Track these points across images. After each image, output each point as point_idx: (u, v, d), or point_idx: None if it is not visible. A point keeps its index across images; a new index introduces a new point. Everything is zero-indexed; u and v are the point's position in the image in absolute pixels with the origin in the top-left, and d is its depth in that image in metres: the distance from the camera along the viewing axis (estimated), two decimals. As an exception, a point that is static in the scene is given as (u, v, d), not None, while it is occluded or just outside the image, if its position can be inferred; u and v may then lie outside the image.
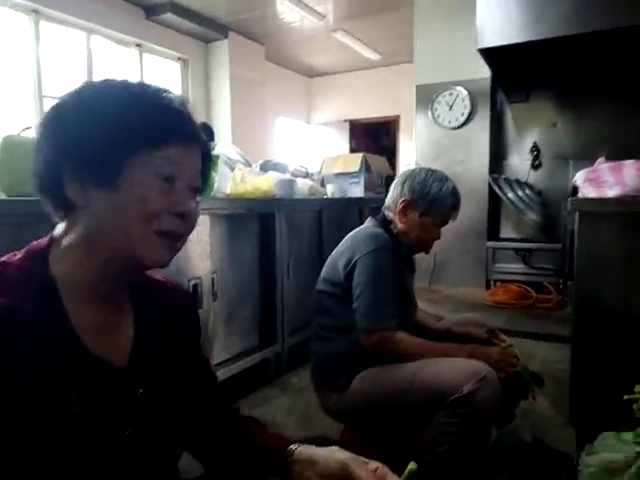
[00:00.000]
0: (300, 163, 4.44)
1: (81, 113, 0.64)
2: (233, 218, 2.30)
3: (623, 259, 1.66)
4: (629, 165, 1.95)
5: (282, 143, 7.69)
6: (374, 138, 8.86)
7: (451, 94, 4.85)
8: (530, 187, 4.69)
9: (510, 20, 3.60)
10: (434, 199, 1.52)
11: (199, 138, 0.70)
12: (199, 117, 0.74)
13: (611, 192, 1.92)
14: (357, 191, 3.63)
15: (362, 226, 1.63)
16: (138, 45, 5.32)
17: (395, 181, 1.61)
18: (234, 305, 2.32)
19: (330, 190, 3.36)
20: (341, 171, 3.67)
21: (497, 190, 4.57)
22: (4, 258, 0.64)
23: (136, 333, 0.72)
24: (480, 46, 3.69)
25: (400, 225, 1.56)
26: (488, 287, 4.64)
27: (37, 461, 0.56)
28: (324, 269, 1.61)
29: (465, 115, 4.81)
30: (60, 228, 0.68)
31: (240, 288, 2.36)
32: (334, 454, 0.72)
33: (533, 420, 1.97)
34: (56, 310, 0.62)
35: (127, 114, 0.63)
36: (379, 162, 3.98)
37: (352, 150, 8.06)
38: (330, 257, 1.61)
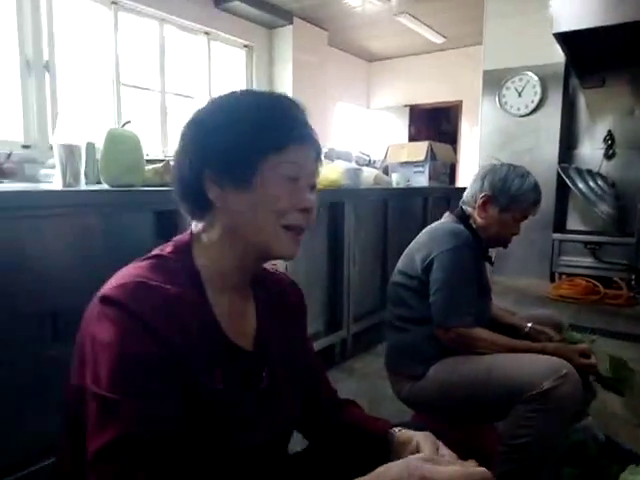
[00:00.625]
0: (361, 150, 4.47)
1: (218, 124, 0.72)
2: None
3: None
4: None
5: (342, 128, 7.70)
6: (434, 123, 8.70)
7: (521, 80, 4.69)
8: (603, 178, 4.49)
9: (588, 4, 3.44)
10: (515, 195, 1.52)
11: (315, 139, 0.77)
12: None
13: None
14: (421, 180, 3.62)
15: (440, 221, 1.66)
16: (206, 33, 5.47)
17: (474, 176, 1.62)
18: (304, 291, 2.41)
19: (395, 179, 3.38)
20: (406, 160, 3.66)
21: (567, 180, 4.41)
22: (157, 251, 0.74)
23: (258, 319, 0.81)
24: (556, 30, 3.54)
25: (479, 220, 1.58)
26: (552, 280, 4.53)
27: (190, 428, 0.66)
28: (400, 262, 1.65)
29: (535, 102, 4.64)
30: (198, 226, 0.77)
31: (310, 275, 2.45)
32: (423, 441, 0.77)
33: (605, 419, 1.95)
34: (202, 298, 0.72)
35: (258, 121, 0.71)
36: (444, 150, 3.94)
37: (411, 135, 7.95)
38: (407, 250, 1.65)
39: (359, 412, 0.92)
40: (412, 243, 1.65)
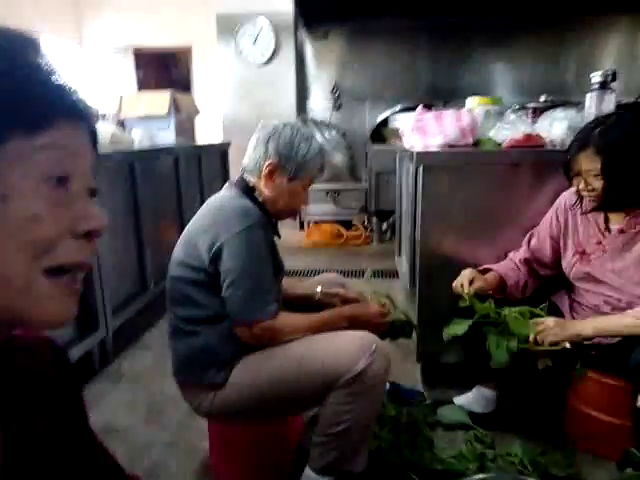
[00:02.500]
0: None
1: None
2: None
3: (461, 209, 1.80)
4: (448, 115, 2.08)
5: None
6: (164, 70, 7.97)
7: (254, 25, 4.56)
8: (334, 128, 4.86)
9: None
10: (303, 161, 1.35)
11: (89, 115, 0.46)
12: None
13: (434, 141, 2.05)
14: (168, 137, 3.19)
15: (222, 195, 1.38)
16: None
17: (255, 139, 1.39)
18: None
19: (138, 138, 2.86)
20: (146, 114, 3.15)
21: (306, 132, 4.60)
22: None
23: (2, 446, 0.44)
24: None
25: (266, 192, 1.36)
26: (302, 228, 4.78)
27: None
28: (178, 250, 1.33)
29: (270, 51, 4.61)
30: None
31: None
32: None
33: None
34: None
35: None
36: (188, 102, 3.56)
37: (140, 82, 7.13)
38: (185, 235, 1.33)
39: None
40: (190, 225, 1.34)
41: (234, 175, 1.48)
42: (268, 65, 4.65)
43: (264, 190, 1.36)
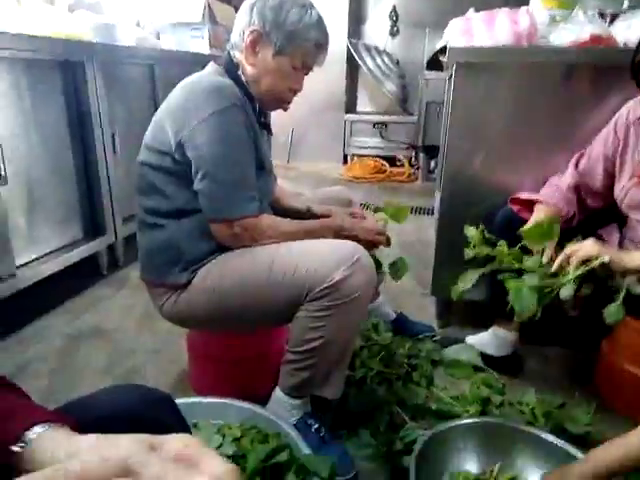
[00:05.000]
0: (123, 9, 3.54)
1: None
2: (18, 65, 1.64)
3: (498, 120, 1.51)
4: (503, 14, 1.74)
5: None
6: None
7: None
8: (388, 55, 4.47)
9: None
10: (292, 30, 1.12)
11: None
12: None
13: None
14: (200, 47, 3.00)
15: (201, 72, 1.20)
16: None
17: (242, 6, 1.17)
18: (38, 189, 1.75)
19: (165, 43, 2.70)
20: (178, 21, 2.96)
21: (356, 57, 4.25)
22: None
23: None
24: None
25: (250, 69, 1.16)
26: (345, 162, 4.53)
27: None
28: (148, 132, 1.17)
29: (323, -35, 4.21)
30: None
31: (45, 166, 1.79)
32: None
33: (393, 293, 1.89)
34: None
35: None
36: (226, 12, 3.32)
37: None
38: (157, 115, 1.16)
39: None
40: (163, 105, 1.17)
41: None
42: (320, -20, 4.26)
43: (247, 67, 1.16)
